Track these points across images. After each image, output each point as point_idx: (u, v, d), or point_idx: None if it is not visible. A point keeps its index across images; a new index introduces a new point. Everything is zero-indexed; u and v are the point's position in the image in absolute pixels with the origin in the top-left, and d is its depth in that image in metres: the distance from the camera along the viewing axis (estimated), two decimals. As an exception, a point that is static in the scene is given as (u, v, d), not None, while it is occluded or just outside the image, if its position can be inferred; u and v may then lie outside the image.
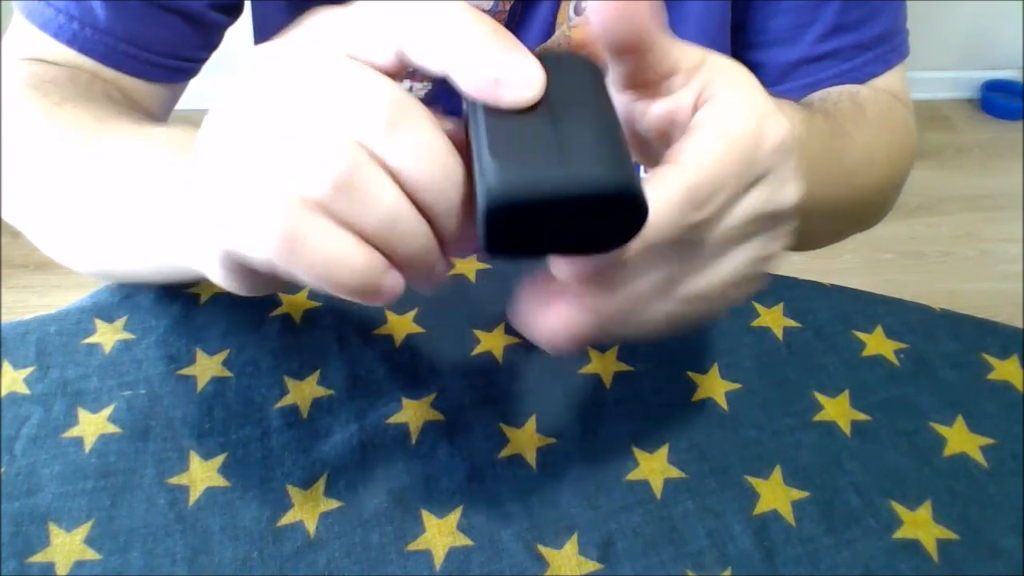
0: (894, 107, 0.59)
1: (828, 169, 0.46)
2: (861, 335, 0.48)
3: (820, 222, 0.51)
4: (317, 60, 0.27)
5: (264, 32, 0.62)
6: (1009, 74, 2.30)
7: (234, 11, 0.57)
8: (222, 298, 0.48)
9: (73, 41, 0.51)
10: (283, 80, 0.27)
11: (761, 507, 0.40)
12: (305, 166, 0.25)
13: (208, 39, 0.56)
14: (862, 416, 0.44)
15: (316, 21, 0.29)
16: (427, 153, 0.26)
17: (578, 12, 0.57)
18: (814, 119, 0.46)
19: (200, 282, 0.49)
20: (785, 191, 0.32)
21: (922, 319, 0.49)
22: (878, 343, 0.48)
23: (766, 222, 0.32)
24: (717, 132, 0.29)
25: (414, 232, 0.27)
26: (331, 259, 0.26)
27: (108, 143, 0.41)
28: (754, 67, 0.59)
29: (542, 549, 0.38)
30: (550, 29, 0.57)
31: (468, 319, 0.48)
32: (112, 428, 0.42)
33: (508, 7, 0.55)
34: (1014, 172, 2.06)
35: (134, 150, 0.40)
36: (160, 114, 0.55)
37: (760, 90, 0.31)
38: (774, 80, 0.61)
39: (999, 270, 1.80)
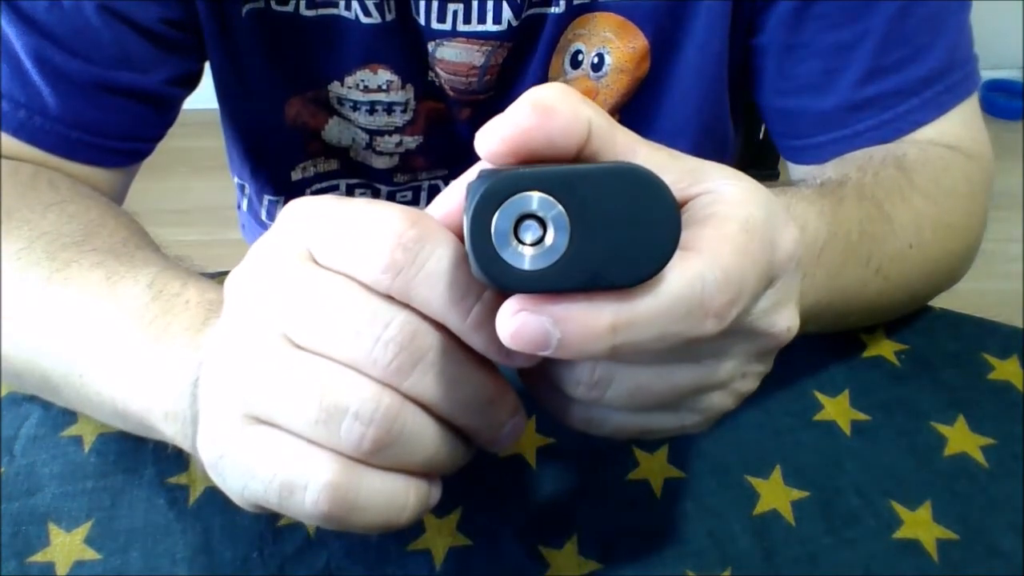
0: (951, 164, 0.50)
1: (858, 270, 0.42)
2: (861, 335, 0.48)
3: (855, 319, 0.46)
4: (319, 295, 0.25)
5: (226, 89, 0.58)
6: (1009, 74, 2.30)
7: (192, 81, 0.54)
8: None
9: (20, 131, 0.46)
10: (285, 318, 0.26)
11: (761, 507, 0.40)
12: (343, 426, 0.25)
13: (166, 115, 0.52)
14: (862, 416, 0.44)
15: (296, 223, 0.27)
16: (454, 380, 0.26)
17: (575, 65, 0.55)
18: (840, 209, 0.41)
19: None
20: (778, 315, 0.28)
21: (922, 319, 0.49)
22: (878, 343, 0.48)
23: (753, 338, 0.28)
24: (737, 222, 0.25)
25: (457, 449, 0.28)
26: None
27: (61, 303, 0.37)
28: (786, 115, 0.55)
29: (542, 549, 0.38)
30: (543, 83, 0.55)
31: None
32: (111, 427, 0.42)
33: (500, 61, 0.54)
34: (1014, 172, 2.06)
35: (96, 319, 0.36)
36: (116, 197, 0.51)
37: (762, 187, 0.27)
38: (810, 131, 0.54)
39: (999, 270, 1.80)
